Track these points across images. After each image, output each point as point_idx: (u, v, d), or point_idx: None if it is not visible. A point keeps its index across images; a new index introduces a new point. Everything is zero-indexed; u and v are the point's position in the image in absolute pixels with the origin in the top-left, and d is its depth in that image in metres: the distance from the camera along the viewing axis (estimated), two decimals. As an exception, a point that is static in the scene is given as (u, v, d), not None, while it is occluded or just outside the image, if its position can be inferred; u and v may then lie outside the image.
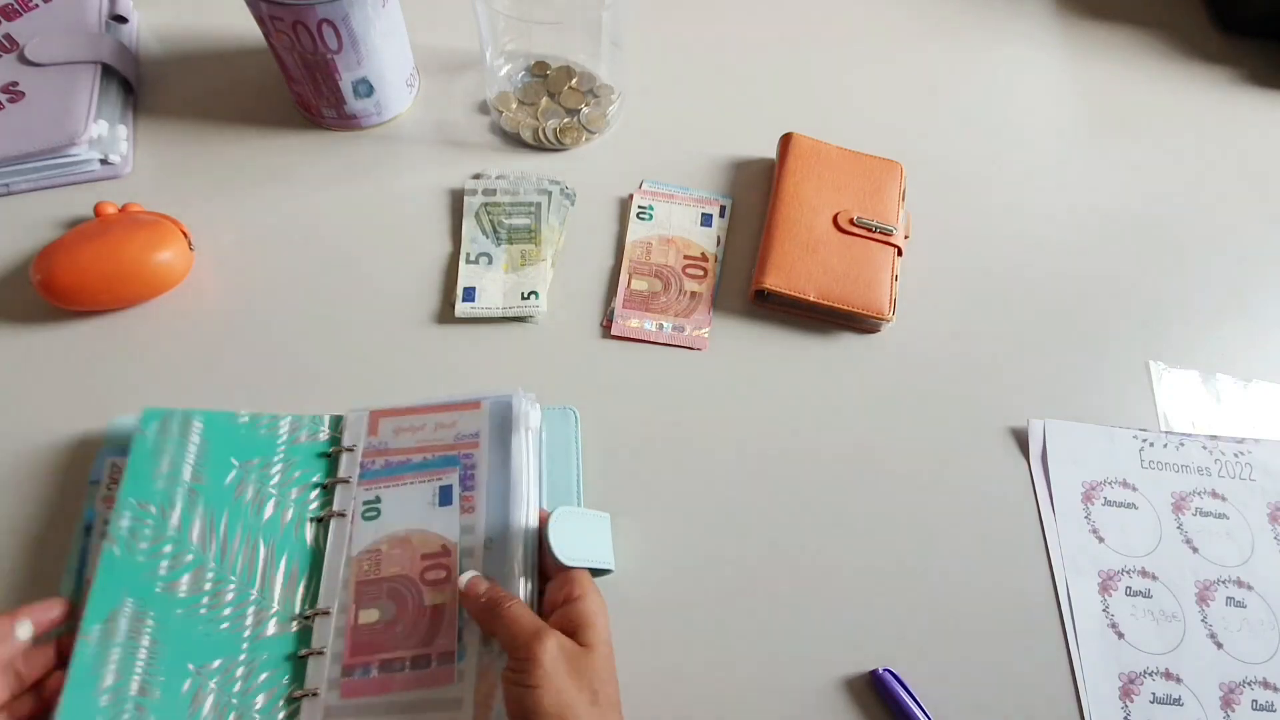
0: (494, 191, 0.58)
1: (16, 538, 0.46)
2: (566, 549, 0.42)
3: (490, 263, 0.56)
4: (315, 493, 0.46)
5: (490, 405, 0.47)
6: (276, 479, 0.46)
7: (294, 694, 0.41)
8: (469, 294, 0.54)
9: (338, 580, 0.44)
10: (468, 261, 0.56)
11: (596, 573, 0.45)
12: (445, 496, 0.45)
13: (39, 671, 0.39)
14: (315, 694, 0.41)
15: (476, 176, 0.59)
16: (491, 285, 0.55)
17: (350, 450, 0.47)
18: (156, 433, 0.45)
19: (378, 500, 0.46)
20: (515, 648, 0.38)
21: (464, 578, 0.42)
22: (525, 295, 0.54)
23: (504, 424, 0.47)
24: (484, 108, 0.64)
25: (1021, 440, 0.52)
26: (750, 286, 0.56)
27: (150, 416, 0.46)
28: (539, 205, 0.58)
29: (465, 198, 0.58)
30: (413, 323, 0.54)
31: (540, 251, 0.56)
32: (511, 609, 0.39)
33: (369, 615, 0.43)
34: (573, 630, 0.39)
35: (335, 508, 0.46)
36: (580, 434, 0.50)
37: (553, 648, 0.37)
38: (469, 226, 0.57)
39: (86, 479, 0.47)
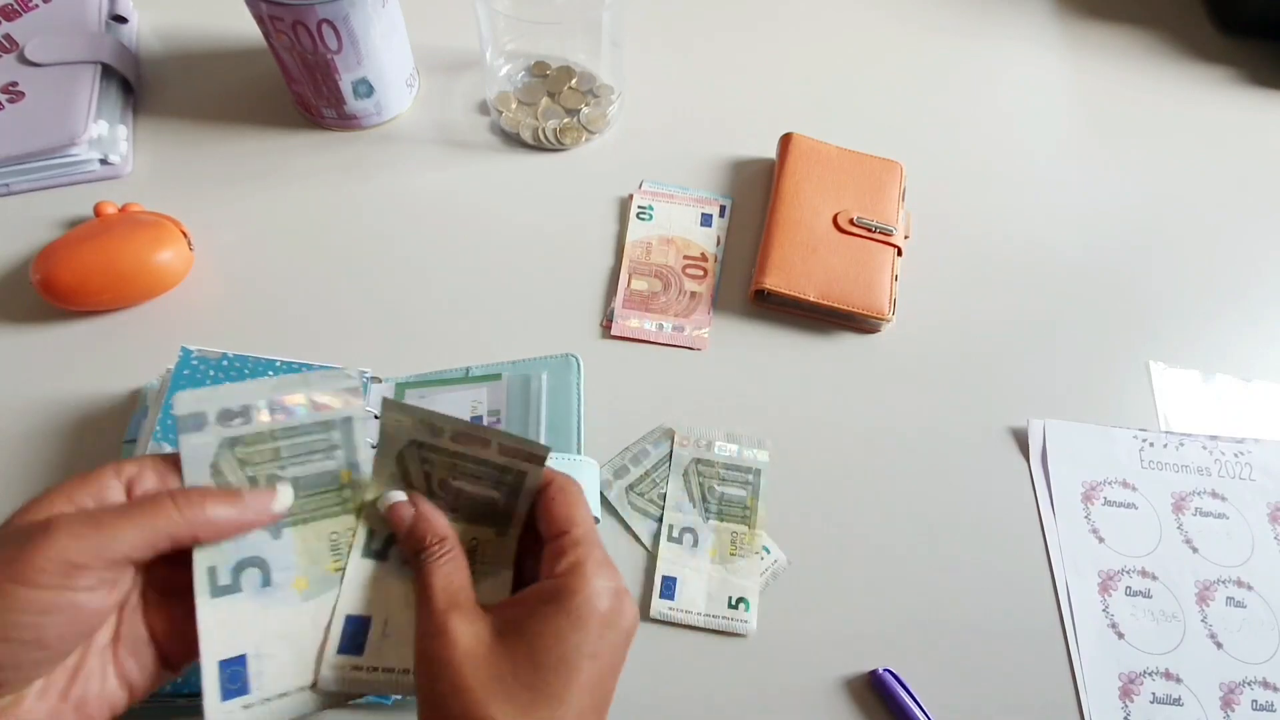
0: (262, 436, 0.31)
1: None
2: None
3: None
4: None
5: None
6: None
7: None
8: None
9: None
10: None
11: None
12: None
13: None
14: None
15: (228, 417, 0.31)
16: None
17: (376, 418, 0.48)
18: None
19: None
20: (427, 614, 0.29)
21: (389, 497, 0.32)
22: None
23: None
24: (484, 108, 0.64)
25: (1021, 440, 0.52)
26: (750, 286, 0.56)
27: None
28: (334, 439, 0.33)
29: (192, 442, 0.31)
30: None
31: None
32: (439, 563, 0.30)
33: None
34: (546, 612, 0.28)
35: None
36: (582, 381, 0.51)
37: (469, 632, 0.28)
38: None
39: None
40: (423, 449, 0.32)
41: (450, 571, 0.30)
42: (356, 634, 0.31)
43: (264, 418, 0.31)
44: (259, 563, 0.31)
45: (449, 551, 0.31)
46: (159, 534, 0.27)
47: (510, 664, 0.27)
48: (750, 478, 0.49)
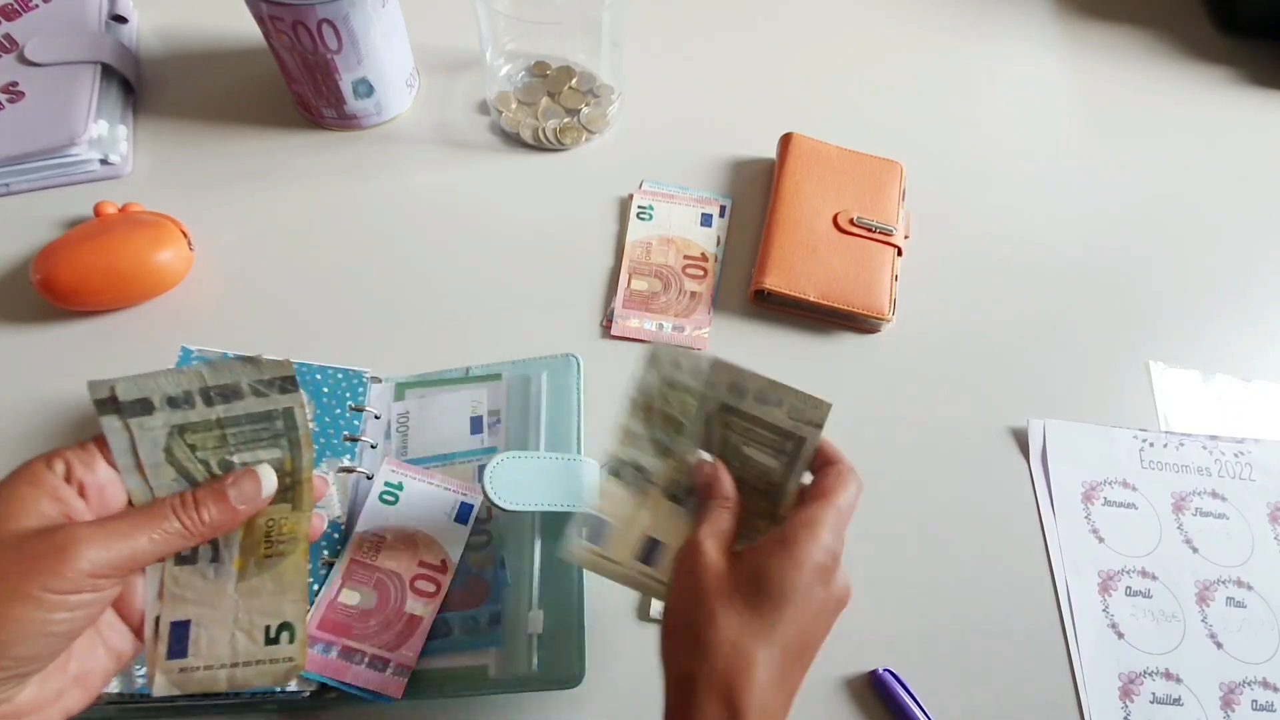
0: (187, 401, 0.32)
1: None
2: (505, 495, 0.42)
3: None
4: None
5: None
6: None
7: None
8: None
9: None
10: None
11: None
12: (463, 514, 0.46)
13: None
14: None
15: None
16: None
17: (377, 418, 0.48)
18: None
19: (400, 487, 0.46)
20: (692, 536, 0.36)
21: (699, 454, 0.39)
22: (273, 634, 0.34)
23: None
24: (484, 108, 0.64)
25: (1021, 440, 0.52)
26: (750, 286, 0.56)
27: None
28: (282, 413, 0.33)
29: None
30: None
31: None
32: (717, 509, 0.37)
33: (350, 596, 0.43)
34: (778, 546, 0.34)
35: (363, 469, 0.46)
36: (582, 381, 0.51)
37: (714, 555, 0.34)
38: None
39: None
40: (728, 413, 0.38)
41: (721, 516, 0.36)
42: (653, 553, 0.38)
43: (206, 405, 0.32)
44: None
45: (729, 508, 0.37)
46: (169, 547, 0.31)
47: (738, 583, 0.33)
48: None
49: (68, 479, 0.30)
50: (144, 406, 0.31)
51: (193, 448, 0.32)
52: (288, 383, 0.32)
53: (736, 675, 0.32)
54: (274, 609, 0.33)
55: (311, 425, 0.39)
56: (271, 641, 0.33)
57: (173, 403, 0.32)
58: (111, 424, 0.31)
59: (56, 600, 0.27)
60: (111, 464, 0.32)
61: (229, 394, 0.32)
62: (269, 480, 0.33)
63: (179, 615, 0.32)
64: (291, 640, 0.33)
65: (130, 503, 0.32)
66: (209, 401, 0.32)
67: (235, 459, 0.33)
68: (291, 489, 0.34)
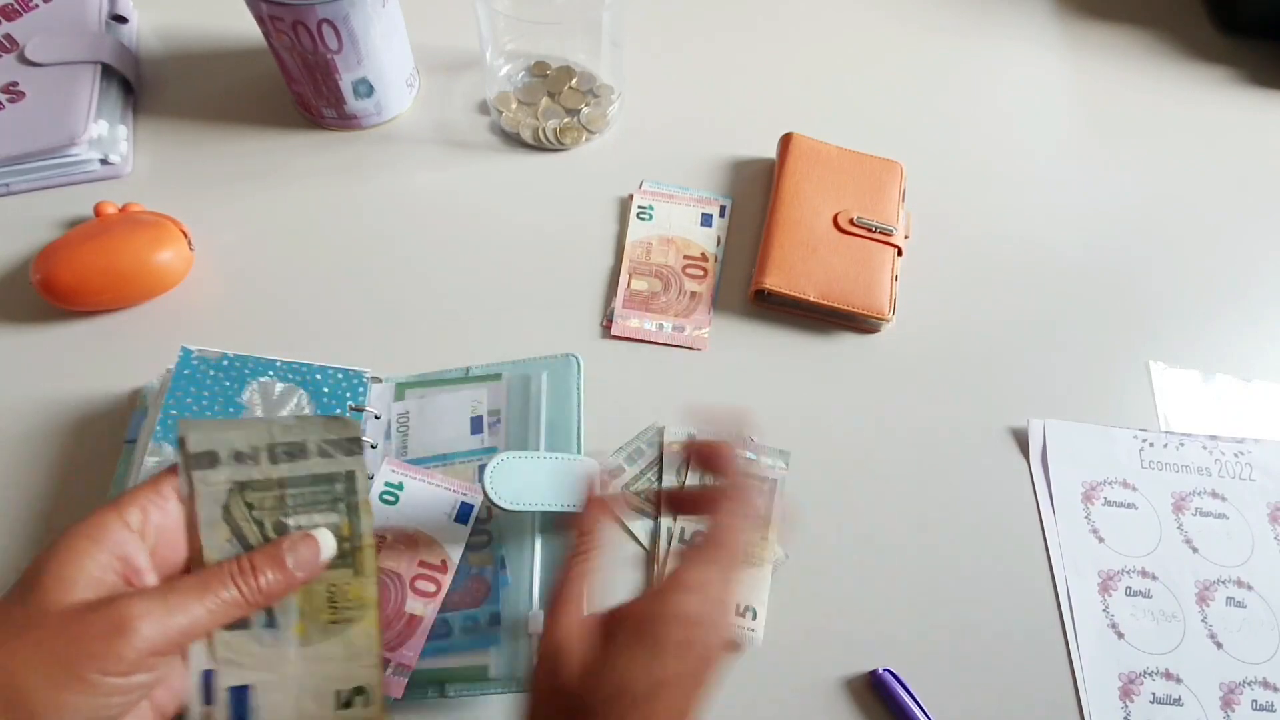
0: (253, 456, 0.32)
1: (18, 534, 0.46)
2: (505, 495, 0.42)
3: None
4: None
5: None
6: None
7: None
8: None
9: None
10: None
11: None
12: (463, 514, 0.46)
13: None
14: None
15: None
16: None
17: (377, 418, 0.48)
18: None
19: (400, 487, 0.46)
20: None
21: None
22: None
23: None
24: (484, 108, 0.64)
25: (1021, 440, 0.52)
26: (750, 286, 0.56)
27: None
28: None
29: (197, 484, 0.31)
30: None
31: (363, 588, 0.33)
32: (569, 574, 0.34)
33: None
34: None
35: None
36: (582, 381, 0.51)
37: (549, 646, 0.32)
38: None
39: (85, 479, 0.47)
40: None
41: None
42: None
43: (271, 463, 0.32)
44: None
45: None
46: (226, 616, 0.30)
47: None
48: (766, 488, 0.49)
49: (142, 529, 0.29)
50: (210, 460, 0.31)
51: (250, 507, 0.32)
52: (353, 444, 0.32)
53: None
54: (345, 674, 0.32)
55: None
56: (344, 706, 0.32)
57: (239, 458, 0.31)
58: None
59: (113, 684, 0.26)
60: (179, 497, 0.31)
61: (295, 452, 0.32)
62: (327, 544, 0.32)
63: (236, 680, 0.31)
64: (367, 704, 0.32)
65: (188, 548, 0.31)
66: (274, 459, 0.32)
67: (290, 522, 0.32)
68: (351, 554, 0.33)
